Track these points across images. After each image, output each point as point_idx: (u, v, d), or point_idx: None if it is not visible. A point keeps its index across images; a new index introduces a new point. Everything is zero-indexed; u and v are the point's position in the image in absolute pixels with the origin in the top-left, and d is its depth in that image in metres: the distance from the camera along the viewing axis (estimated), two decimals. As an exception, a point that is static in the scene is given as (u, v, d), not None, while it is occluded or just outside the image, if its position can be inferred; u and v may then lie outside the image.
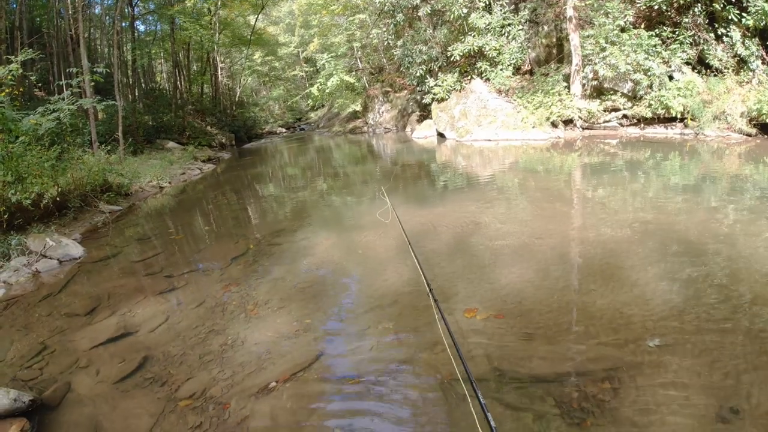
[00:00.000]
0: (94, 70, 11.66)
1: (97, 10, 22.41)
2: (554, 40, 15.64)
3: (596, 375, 2.69)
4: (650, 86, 12.43)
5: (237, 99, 31.56)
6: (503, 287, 3.93)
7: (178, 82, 25.05)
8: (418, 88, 19.40)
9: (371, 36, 21.67)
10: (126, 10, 20.06)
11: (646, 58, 12.20)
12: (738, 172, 8.22)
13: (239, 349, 3.27)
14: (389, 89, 24.46)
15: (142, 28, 24.73)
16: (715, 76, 12.23)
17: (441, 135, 16.88)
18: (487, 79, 16.16)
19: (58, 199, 7.23)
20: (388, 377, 2.83)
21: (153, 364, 3.20)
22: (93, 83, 11.93)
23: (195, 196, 11.06)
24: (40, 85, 18.38)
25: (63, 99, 9.70)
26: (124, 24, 20.29)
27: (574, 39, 13.51)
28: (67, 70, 12.71)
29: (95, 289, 4.87)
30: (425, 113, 19.32)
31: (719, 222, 5.35)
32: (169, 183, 12.06)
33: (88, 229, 7.50)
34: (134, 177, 10.78)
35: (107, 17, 21.63)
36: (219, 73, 28.75)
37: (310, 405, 2.68)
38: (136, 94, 21.81)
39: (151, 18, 24.23)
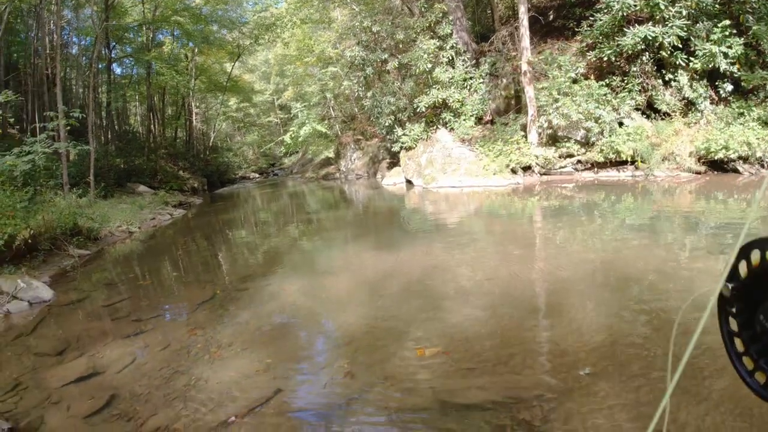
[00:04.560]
0: (70, 114, 11.83)
1: (74, 50, 22.69)
2: (512, 92, 16.75)
3: (529, 402, 2.97)
4: (601, 133, 13.36)
5: (211, 144, 31.94)
6: (453, 326, 4.24)
7: (152, 126, 25.28)
8: (387, 137, 20.21)
9: (343, 86, 22.62)
10: (103, 52, 20.37)
11: (597, 107, 13.12)
12: (686, 208, 8.96)
13: (202, 388, 3.45)
14: (361, 137, 25.27)
15: (118, 70, 25.02)
16: (663, 119, 13.17)
17: (409, 182, 17.54)
18: (452, 129, 17.06)
19: (29, 241, 7.30)
20: (340, 410, 3.06)
21: (120, 402, 3.36)
22: (68, 126, 12.07)
23: (164, 242, 11.12)
24: (12, 120, 18.34)
25: (38, 141, 9.86)
26: (100, 66, 20.51)
27: (529, 91, 14.55)
28: (44, 114, 12.85)
29: (64, 331, 5.00)
30: (395, 160, 20.03)
31: (664, 257, 5.83)
32: (139, 228, 12.07)
33: (57, 272, 7.54)
34: (104, 221, 10.83)
35: (84, 58, 21.87)
36: (194, 117, 29.19)
37: (267, 438, 2.89)
38: (109, 136, 21.83)
39: (127, 61, 24.64)
